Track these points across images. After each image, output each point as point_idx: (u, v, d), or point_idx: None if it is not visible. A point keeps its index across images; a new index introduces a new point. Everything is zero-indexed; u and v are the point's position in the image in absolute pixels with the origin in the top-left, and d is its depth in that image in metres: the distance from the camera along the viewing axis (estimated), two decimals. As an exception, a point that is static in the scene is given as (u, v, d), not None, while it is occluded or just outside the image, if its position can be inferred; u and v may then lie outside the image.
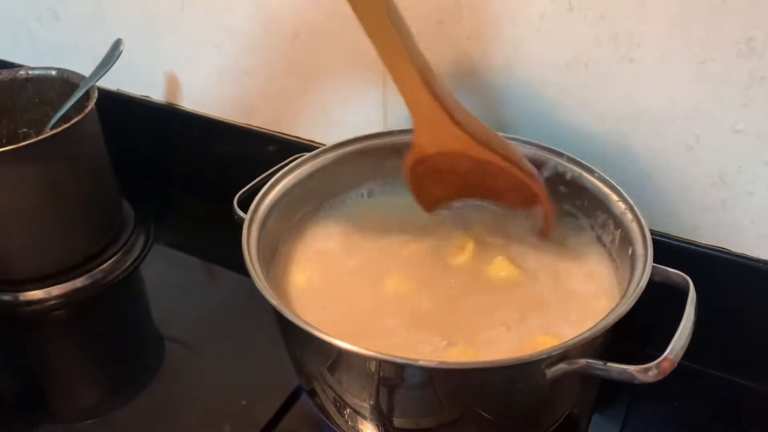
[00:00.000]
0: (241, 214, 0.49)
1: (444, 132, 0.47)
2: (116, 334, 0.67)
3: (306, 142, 0.70)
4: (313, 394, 0.49)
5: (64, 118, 0.67)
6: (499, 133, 0.52)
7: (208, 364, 0.62)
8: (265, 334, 0.58)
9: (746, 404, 0.57)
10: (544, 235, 0.52)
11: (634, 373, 0.38)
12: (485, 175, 0.49)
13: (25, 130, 0.75)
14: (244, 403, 0.56)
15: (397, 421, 0.44)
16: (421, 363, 0.37)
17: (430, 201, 0.54)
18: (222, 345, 0.63)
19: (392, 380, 0.40)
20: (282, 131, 0.71)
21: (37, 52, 0.86)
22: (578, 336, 0.38)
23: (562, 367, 0.38)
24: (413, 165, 0.50)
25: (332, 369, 0.44)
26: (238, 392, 0.57)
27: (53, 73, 0.73)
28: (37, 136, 0.64)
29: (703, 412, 0.57)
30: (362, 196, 0.58)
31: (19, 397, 0.61)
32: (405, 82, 0.45)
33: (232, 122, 0.74)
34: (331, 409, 0.48)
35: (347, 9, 0.61)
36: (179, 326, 0.66)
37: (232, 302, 0.68)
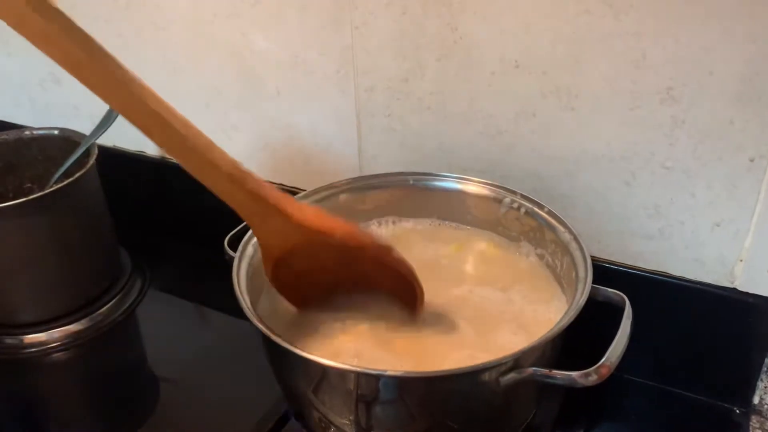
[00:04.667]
0: (231, 253, 0.54)
1: (278, 227, 0.46)
2: (114, 374, 0.69)
3: (289, 188, 0.74)
4: (300, 416, 0.54)
5: (66, 174, 0.71)
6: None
7: (200, 401, 0.64)
8: (253, 369, 0.63)
9: (698, 417, 0.61)
10: (412, 308, 0.52)
11: (577, 378, 0.43)
12: (343, 262, 0.49)
13: (29, 185, 0.78)
14: (239, 426, 0.59)
15: (376, 435, 0.49)
16: (389, 373, 0.43)
17: (304, 302, 0.54)
18: (213, 382, 0.66)
19: (368, 393, 0.45)
20: (267, 180, 0.75)
21: (39, 114, 0.90)
22: (526, 346, 0.44)
23: (513, 375, 0.44)
24: (273, 273, 0.50)
25: (316, 389, 0.48)
26: (229, 422, 0.60)
27: (56, 132, 0.77)
28: (41, 190, 0.67)
29: (659, 426, 0.61)
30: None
31: None
32: (219, 188, 0.45)
33: None
34: (317, 430, 0.52)
35: (322, 69, 0.67)
36: (174, 366, 0.69)
37: (224, 342, 0.71)
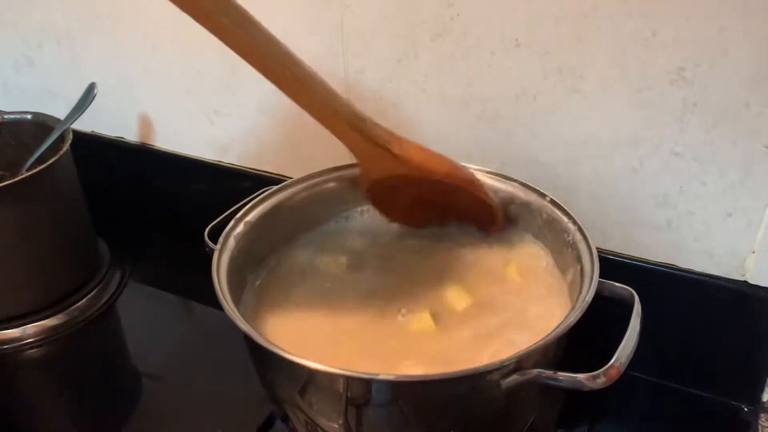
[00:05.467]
0: (212, 245, 0.51)
1: (383, 162, 0.52)
2: (93, 371, 0.68)
3: (276, 175, 0.72)
4: (286, 418, 0.51)
5: (40, 160, 0.69)
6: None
7: (184, 396, 0.63)
8: (238, 365, 0.59)
9: (705, 415, 0.59)
10: (488, 229, 0.57)
11: (584, 381, 0.40)
12: (432, 190, 0.54)
13: (0, 172, 0.76)
14: (220, 430, 0.58)
15: (367, 440, 0.46)
16: (382, 377, 0.39)
17: (396, 213, 0.59)
18: (197, 377, 0.64)
19: (359, 397, 0.42)
20: (253, 167, 0.74)
21: (13, 98, 0.88)
22: (529, 347, 0.41)
23: (515, 378, 0.41)
24: (368, 188, 0.56)
25: (302, 391, 0.46)
26: (214, 421, 0.59)
27: (29, 117, 0.75)
28: (12, 178, 0.65)
29: (665, 425, 0.59)
30: (331, 224, 0.61)
31: None
32: (339, 132, 0.50)
33: (204, 160, 0.77)
34: (303, 432, 0.50)
35: (310, 49, 0.64)
36: (155, 361, 0.67)
37: (206, 336, 0.70)
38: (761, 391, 0.58)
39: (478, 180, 0.55)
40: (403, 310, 0.51)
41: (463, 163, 0.55)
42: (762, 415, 0.58)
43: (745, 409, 0.59)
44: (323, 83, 0.48)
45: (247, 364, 0.51)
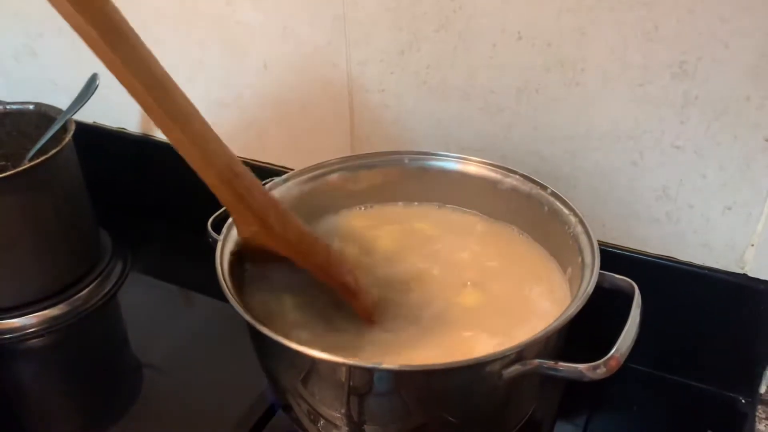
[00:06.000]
0: (215, 235, 0.51)
1: (252, 226, 0.47)
2: (94, 361, 0.68)
3: (278, 167, 0.72)
4: (288, 408, 0.51)
5: (42, 151, 0.69)
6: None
7: (186, 386, 0.63)
8: (239, 356, 0.60)
9: (702, 407, 0.60)
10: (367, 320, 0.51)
11: (584, 371, 0.40)
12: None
13: (2, 162, 0.76)
14: (222, 420, 0.58)
15: (369, 429, 0.46)
16: (384, 366, 0.40)
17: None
18: (199, 367, 0.64)
19: (361, 386, 0.43)
20: (254, 158, 0.74)
21: (14, 88, 0.88)
22: (530, 337, 0.41)
23: (516, 368, 0.41)
24: (241, 241, 0.51)
25: (305, 380, 0.46)
26: (215, 411, 0.59)
27: (31, 107, 0.75)
28: (14, 168, 0.65)
29: (662, 416, 0.59)
30: (333, 215, 0.61)
31: None
32: (209, 181, 0.45)
33: None
34: (306, 422, 0.50)
35: (312, 40, 0.65)
36: (156, 351, 0.67)
37: (208, 327, 0.70)
38: (758, 383, 0.58)
39: (352, 284, 0.50)
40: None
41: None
42: (759, 406, 0.58)
43: (743, 401, 0.59)
44: (203, 122, 0.45)
45: (247, 355, 0.51)
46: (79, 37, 0.39)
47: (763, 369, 0.58)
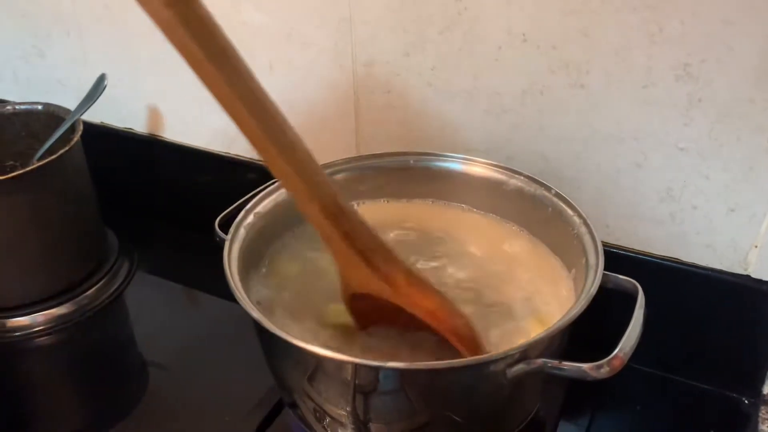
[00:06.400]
0: (222, 235, 0.52)
1: (359, 271, 0.44)
2: (100, 359, 0.68)
3: None
4: (294, 406, 0.52)
5: (50, 151, 0.70)
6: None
7: (192, 385, 0.63)
8: (244, 355, 0.62)
9: (705, 407, 0.60)
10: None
11: (588, 370, 0.41)
12: (413, 320, 0.46)
13: (11, 162, 0.76)
14: (227, 419, 0.58)
15: (374, 427, 0.46)
16: (390, 365, 0.40)
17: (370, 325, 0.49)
18: (204, 367, 0.65)
19: (367, 385, 0.43)
20: (259, 159, 0.74)
21: (22, 89, 0.88)
22: (535, 337, 0.41)
23: (521, 367, 0.41)
24: (349, 301, 0.48)
25: (311, 378, 0.46)
26: (221, 409, 0.59)
27: (39, 107, 0.75)
28: (23, 168, 0.65)
29: (665, 416, 0.60)
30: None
31: (4, 423, 0.62)
32: (310, 214, 0.43)
33: (213, 151, 0.77)
34: (312, 420, 0.50)
35: (318, 42, 0.65)
36: (162, 350, 0.68)
37: (214, 326, 0.70)
38: (762, 383, 0.58)
39: (464, 330, 0.46)
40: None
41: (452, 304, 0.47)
42: (762, 407, 0.58)
43: (746, 402, 0.59)
44: (309, 153, 0.42)
45: (253, 354, 0.52)
46: (187, 63, 0.38)
47: (766, 370, 0.58)
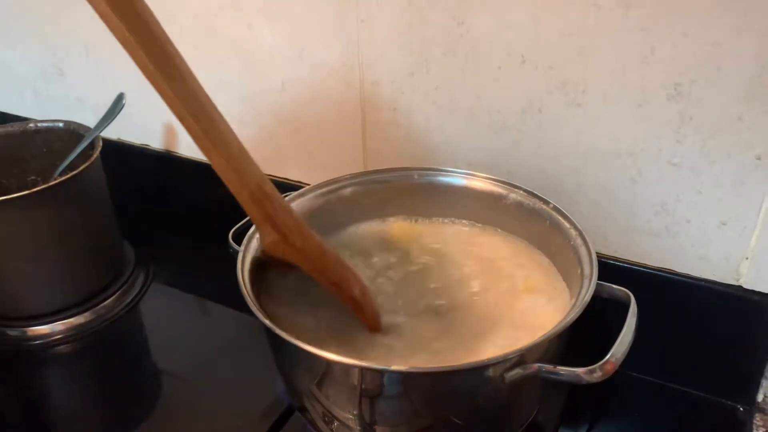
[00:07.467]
0: (236, 246, 0.54)
1: (278, 244, 0.51)
2: (116, 366, 0.70)
3: (294, 182, 0.74)
4: (303, 410, 0.54)
5: (70, 167, 0.71)
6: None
7: (204, 393, 0.65)
8: (255, 363, 0.64)
9: (702, 414, 0.61)
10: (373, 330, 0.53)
11: (582, 375, 0.43)
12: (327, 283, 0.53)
13: (33, 177, 0.78)
14: (239, 423, 0.60)
15: (379, 430, 0.48)
16: (394, 368, 0.43)
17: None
18: (216, 375, 0.66)
19: (372, 387, 0.45)
20: (272, 174, 0.76)
21: (42, 106, 0.91)
22: (531, 342, 0.43)
23: (518, 371, 0.44)
24: (263, 252, 0.54)
25: (320, 383, 0.48)
26: (232, 415, 0.61)
27: (60, 125, 0.77)
28: (44, 183, 0.67)
29: (663, 423, 0.61)
30: (347, 229, 0.63)
31: (24, 428, 0.64)
32: (241, 198, 0.49)
33: None
34: (320, 424, 0.52)
35: (327, 62, 0.67)
36: (176, 359, 0.69)
37: (227, 336, 0.71)
38: (756, 391, 0.60)
39: (364, 300, 0.53)
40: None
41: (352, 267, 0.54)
42: (757, 414, 0.59)
43: (741, 409, 0.60)
44: (240, 146, 0.48)
45: (264, 364, 0.53)
46: (138, 67, 0.43)
47: (760, 378, 0.59)
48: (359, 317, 0.53)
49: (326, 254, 0.53)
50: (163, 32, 0.44)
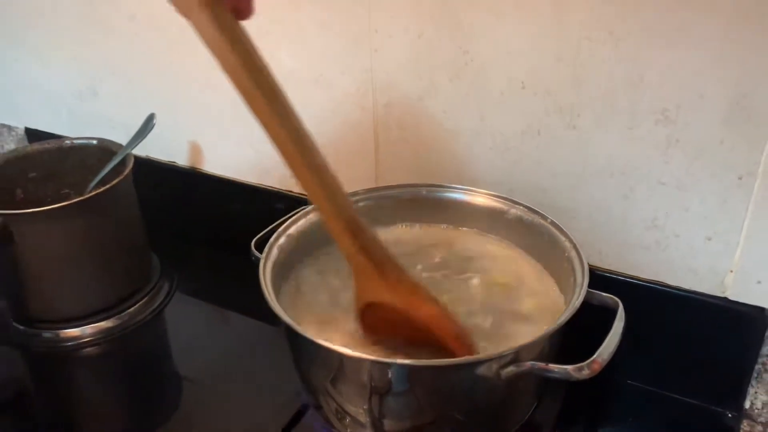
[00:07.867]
0: (257, 254, 0.58)
1: (372, 281, 0.50)
2: (140, 370, 0.73)
3: None
4: (319, 407, 0.57)
5: (102, 181, 0.75)
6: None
7: (223, 395, 0.67)
8: (274, 369, 0.67)
9: (692, 420, 0.64)
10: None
11: (571, 372, 0.47)
12: (417, 328, 0.51)
13: (67, 191, 0.82)
14: (255, 428, 0.63)
15: (387, 423, 0.52)
16: (399, 361, 0.47)
17: (378, 337, 0.54)
18: (235, 380, 0.69)
19: (380, 383, 0.49)
20: (290, 189, 0.80)
21: (76, 124, 0.94)
22: (525, 342, 0.48)
23: (512, 368, 0.47)
24: (361, 313, 0.53)
25: (333, 379, 0.52)
26: (250, 413, 0.64)
27: (94, 142, 0.81)
28: (78, 196, 0.70)
29: (655, 428, 0.64)
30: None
31: (52, 423, 0.67)
32: (334, 229, 0.48)
33: (248, 182, 0.82)
34: (334, 420, 0.56)
35: (343, 87, 0.71)
36: (197, 365, 0.72)
37: (246, 343, 0.74)
38: (743, 398, 0.62)
39: (461, 339, 0.50)
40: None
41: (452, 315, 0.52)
42: (744, 420, 0.62)
43: (729, 415, 0.63)
44: (334, 177, 0.48)
45: (281, 369, 0.56)
46: (242, 97, 0.46)
47: (747, 385, 0.62)
48: (454, 350, 0.50)
49: (421, 289, 0.51)
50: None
